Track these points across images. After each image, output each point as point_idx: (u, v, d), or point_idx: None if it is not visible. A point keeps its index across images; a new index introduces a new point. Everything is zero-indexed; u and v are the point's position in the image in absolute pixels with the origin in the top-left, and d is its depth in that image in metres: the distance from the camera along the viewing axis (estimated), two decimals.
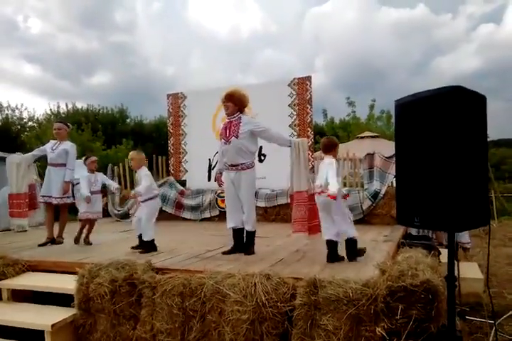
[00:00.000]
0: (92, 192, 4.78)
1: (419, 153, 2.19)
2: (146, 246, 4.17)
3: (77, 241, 4.79)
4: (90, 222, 4.90)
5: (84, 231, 4.86)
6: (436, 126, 2.09)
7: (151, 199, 4.23)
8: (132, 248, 4.24)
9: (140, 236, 4.26)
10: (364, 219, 6.26)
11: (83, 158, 5.05)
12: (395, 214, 5.98)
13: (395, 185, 6.21)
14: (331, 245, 3.53)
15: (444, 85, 2.06)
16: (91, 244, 4.77)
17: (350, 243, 3.57)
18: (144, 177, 4.19)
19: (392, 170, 6.25)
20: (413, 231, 5.52)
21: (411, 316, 2.30)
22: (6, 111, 20.56)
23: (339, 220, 3.51)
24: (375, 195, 6.22)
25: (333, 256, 3.53)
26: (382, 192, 6.23)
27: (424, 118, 2.16)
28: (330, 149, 3.63)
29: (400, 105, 2.36)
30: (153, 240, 4.21)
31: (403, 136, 2.33)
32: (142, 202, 4.23)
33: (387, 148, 7.69)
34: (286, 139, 4.18)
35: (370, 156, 6.53)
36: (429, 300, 2.30)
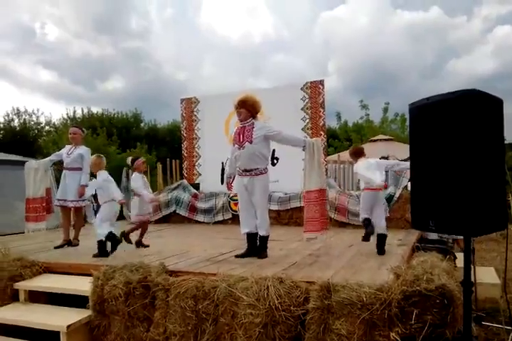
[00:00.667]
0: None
1: (434, 157, 2.16)
2: (98, 248, 4.19)
3: (138, 244, 4.72)
4: (143, 224, 4.80)
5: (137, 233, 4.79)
6: (451, 130, 2.06)
7: (109, 202, 4.37)
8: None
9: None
10: None
11: (130, 159, 4.92)
12: (409, 218, 5.96)
13: (409, 188, 6.18)
14: (382, 238, 4.14)
15: (458, 88, 2.04)
16: (148, 246, 4.72)
17: (383, 238, 4.14)
18: (103, 182, 4.38)
19: (407, 173, 6.18)
20: (433, 236, 5.44)
21: (426, 321, 2.27)
22: (24, 116, 21.04)
23: (381, 213, 4.24)
24: (389, 199, 6.15)
25: (382, 248, 4.11)
26: (397, 195, 6.17)
27: (439, 121, 2.14)
28: (361, 154, 4.53)
29: (414, 108, 2.34)
30: (102, 241, 4.18)
31: (418, 139, 2.31)
32: (103, 203, 4.41)
33: (401, 151, 7.63)
34: (300, 140, 4.13)
35: (384, 159, 6.47)
36: (445, 305, 2.26)
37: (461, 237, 2.23)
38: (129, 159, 4.95)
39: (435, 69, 43.26)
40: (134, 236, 4.81)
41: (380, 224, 4.13)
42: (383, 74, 42.39)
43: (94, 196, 4.83)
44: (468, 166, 2.00)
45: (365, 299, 2.44)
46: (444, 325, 2.25)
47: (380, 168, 4.30)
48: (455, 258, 4.29)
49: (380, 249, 4.07)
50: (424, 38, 42.75)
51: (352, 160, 7.22)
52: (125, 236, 4.65)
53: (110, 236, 4.20)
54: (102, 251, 4.17)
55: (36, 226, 4.97)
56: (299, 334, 2.61)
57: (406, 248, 4.37)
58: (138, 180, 4.67)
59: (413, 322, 2.28)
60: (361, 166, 4.31)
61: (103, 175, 4.43)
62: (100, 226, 4.27)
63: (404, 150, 7.85)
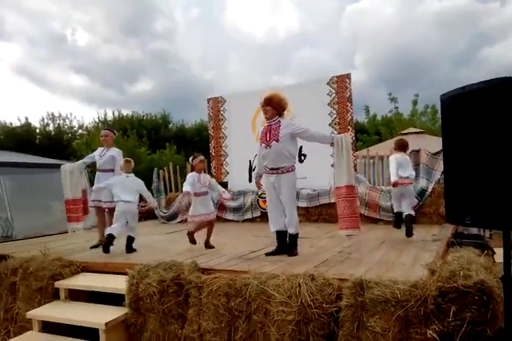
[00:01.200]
0: (200, 194, 4.52)
1: (469, 148, 2.08)
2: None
3: (207, 244, 4.55)
4: (208, 224, 4.60)
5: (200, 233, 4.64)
6: (487, 120, 1.98)
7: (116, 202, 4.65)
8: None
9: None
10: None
11: (190, 158, 4.80)
12: (443, 212, 5.82)
13: (442, 182, 5.99)
14: (408, 218, 4.64)
15: (493, 76, 1.95)
16: (213, 247, 4.52)
17: (408, 218, 4.64)
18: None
19: (439, 166, 6.01)
20: (469, 230, 5.29)
21: (464, 318, 2.21)
22: (58, 121, 21.80)
23: (408, 204, 4.74)
24: (421, 193, 6.00)
25: (410, 231, 4.59)
26: (429, 189, 6.00)
27: (473, 111, 2.05)
28: (400, 148, 4.83)
29: (446, 99, 2.26)
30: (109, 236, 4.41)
31: (451, 131, 2.23)
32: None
33: (432, 144, 7.41)
34: (328, 136, 4.09)
35: (416, 153, 6.31)
36: (484, 302, 2.19)
37: (500, 231, 2.13)
38: (191, 158, 4.82)
39: (467, 57, 41.62)
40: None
41: (406, 211, 4.69)
42: (412, 65, 41.18)
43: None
44: (507, 157, 1.91)
45: (399, 296, 2.40)
46: (484, 322, 2.18)
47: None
48: (493, 253, 4.14)
49: (408, 231, 4.56)
50: (454, 26, 41.18)
51: (384, 155, 7.11)
52: (189, 235, 4.59)
53: (107, 236, 4.41)
54: (105, 247, 4.35)
55: (77, 226, 5.15)
56: (333, 332, 2.59)
57: (440, 243, 4.25)
58: (187, 179, 4.53)
59: (451, 319, 2.22)
60: (393, 160, 4.72)
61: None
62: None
63: (435, 143, 7.63)
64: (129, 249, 4.52)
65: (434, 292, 2.29)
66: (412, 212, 4.74)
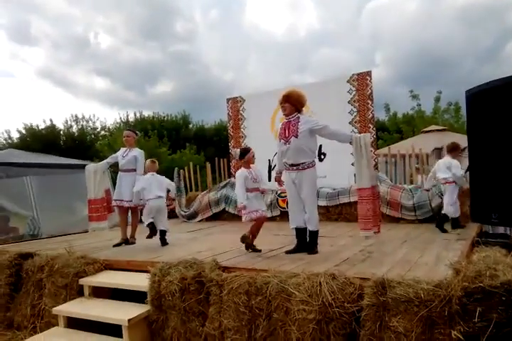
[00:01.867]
0: (252, 189, 4.15)
1: (495, 145, 2.03)
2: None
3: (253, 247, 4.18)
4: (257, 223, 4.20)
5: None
6: None
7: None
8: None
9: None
10: (434, 217, 5.93)
11: (238, 152, 4.29)
12: (467, 211, 5.68)
13: (467, 180, 5.85)
14: (443, 217, 5.26)
15: None
16: (260, 250, 4.11)
17: (444, 218, 5.28)
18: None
19: (463, 164, 5.86)
20: (495, 229, 5.16)
21: (491, 319, 2.14)
22: (82, 123, 22.31)
23: (447, 202, 5.25)
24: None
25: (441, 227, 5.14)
26: None
27: (499, 107, 2.00)
28: (450, 151, 5.37)
29: (471, 95, 2.21)
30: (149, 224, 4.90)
31: (476, 127, 2.18)
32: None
33: (456, 141, 7.24)
34: (347, 135, 4.01)
35: (438, 151, 6.19)
36: (511, 303, 2.12)
37: None
38: (237, 151, 4.31)
39: (492, 53, 40.37)
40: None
41: (446, 209, 5.22)
42: (434, 62, 40.30)
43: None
44: None
45: (422, 296, 2.35)
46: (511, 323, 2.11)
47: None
48: None
49: (440, 227, 5.08)
50: (479, 21, 40.02)
51: (406, 153, 7.00)
52: (244, 240, 4.13)
53: (148, 225, 4.86)
54: (151, 231, 4.86)
55: (99, 226, 5.23)
56: (354, 331, 2.56)
57: (465, 242, 4.15)
58: (238, 179, 4.15)
59: (476, 320, 2.16)
60: (440, 162, 5.34)
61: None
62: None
63: (459, 140, 7.45)
64: (164, 241, 4.92)
65: (459, 292, 2.24)
66: (449, 212, 5.18)
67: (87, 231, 6.06)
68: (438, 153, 6.20)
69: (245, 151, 4.28)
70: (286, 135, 3.92)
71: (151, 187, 4.90)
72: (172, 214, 8.09)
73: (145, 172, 5.10)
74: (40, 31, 41.67)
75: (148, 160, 5.13)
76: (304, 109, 4.06)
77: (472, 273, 2.32)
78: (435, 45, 39.56)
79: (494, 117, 2.07)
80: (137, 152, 5.23)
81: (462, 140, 7.12)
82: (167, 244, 4.90)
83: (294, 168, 3.92)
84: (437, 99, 18.70)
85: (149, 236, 4.89)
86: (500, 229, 5.11)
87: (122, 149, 5.34)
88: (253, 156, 4.29)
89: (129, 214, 5.36)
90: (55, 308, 3.72)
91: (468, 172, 5.17)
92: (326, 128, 3.89)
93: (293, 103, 3.94)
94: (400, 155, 7.04)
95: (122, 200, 5.11)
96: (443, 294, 2.32)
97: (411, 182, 6.73)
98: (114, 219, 5.68)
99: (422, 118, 18.04)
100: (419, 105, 18.95)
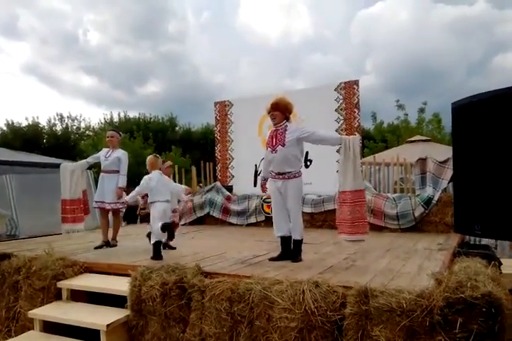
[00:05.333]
0: None
1: (480, 157, 2.06)
2: (153, 250, 4.19)
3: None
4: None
5: None
6: (498, 129, 1.96)
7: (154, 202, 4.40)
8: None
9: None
10: (416, 226, 6.01)
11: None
12: (449, 221, 5.78)
13: (449, 191, 5.95)
14: None
15: (507, 85, 1.93)
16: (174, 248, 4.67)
17: None
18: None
19: (446, 175, 5.96)
20: (484, 240, 5.25)
21: (471, 330, 2.17)
22: (66, 121, 21.96)
23: None
24: (428, 202, 5.95)
25: None
26: (436, 198, 5.95)
27: (484, 120, 2.03)
28: None
29: (457, 107, 2.24)
30: (157, 243, 4.16)
31: (461, 139, 2.21)
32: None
33: (439, 152, 7.37)
34: (337, 137, 3.97)
35: (423, 161, 6.27)
36: (492, 315, 2.15)
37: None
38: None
39: (480, 65, 41.30)
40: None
41: None
42: (424, 73, 41.00)
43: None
44: None
45: (404, 305, 2.36)
46: (492, 335, 2.14)
47: None
48: (500, 264, 4.08)
49: None
50: (468, 33, 40.89)
51: (390, 162, 7.09)
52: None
53: (164, 226, 4.10)
54: (156, 254, 4.10)
55: (73, 227, 5.04)
56: (336, 340, 2.56)
57: (446, 253, 4.20)
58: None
59: (457, 331, 2.18)
60: None
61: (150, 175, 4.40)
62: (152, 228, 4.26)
63: (442, 151, 7.59)
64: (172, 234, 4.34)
65: (440, 302, 2.26)
66: None
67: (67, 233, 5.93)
68: (422, 163, 6.28)
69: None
70: (273, 144, 3.91)
71: (161, 188, 4.34)
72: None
73: (148, 170, 4.52)
74: (27, 25, 41.01)
75: (152, 156, 4.58)
76: (291, 116, 4.07)
77: (454, 283, 2.34)
78: (425, 56, 40.35)
79: (479, 130, 2.11)
80: (120, 153, 5.15)
81: (445, 151, 7.25)
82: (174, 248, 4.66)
83: (281, 176, 3.91)
84: (422, 110, 19.03)
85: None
86: (484, 240, 5.19)
87: (105, 150, 5.25)
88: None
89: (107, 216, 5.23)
90: (30, 311, 3.62)
91: (451, 183, 5.25)
92: (314, 134, 3.88)
93: (282, 110, 3.93)
94: (384, 164, 7.11)
95: (104, 202, 5.02)
96: (425, 304, 2.33)
97: (394, 191, 6.80)
98: (90, 221, 5.50)
99: (406, 128, 18.32)
100: (407, 115, 19.21)
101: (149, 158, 4.54)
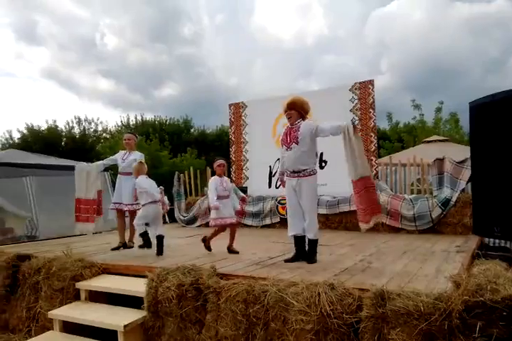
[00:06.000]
0: (220, 197, 4.55)
1: (499, 158, 2.02)
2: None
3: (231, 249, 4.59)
4: (230, 228, 4.67)
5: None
6: None
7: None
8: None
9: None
10: (434, 228, 5.91)
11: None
12: (468, 222, 5.68)
13: (467, 191, 5.84)
14: None
15: None
16: (237, 252, 4.52)
17: None
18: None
19: (464, 176, 5.85)
20: (496, 242, 5.12)
21: (491, 335, 2.12)
22: (83, 124, 22.32)
23: None
24: (445, 203, 5.85)
25: None
26: (454, 199, 5.84)
27: (503, 120, 1.99)
28: None
29: (475, 107, 2.21)
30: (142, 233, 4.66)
31: (479, 139, 2.17)
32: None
33: (457, 152, 7.24)
34: (337, 126, 3.81)
35: (440, 161, 6.16)
36: None
37: None
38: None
39: (498, 64, 40.25)
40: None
41: None
42: (440, 72, 40.19)
43: None
44: None
45: (422, 308, 2.32)
46: None
47: None
48: None
49: None
50: (486, 31, 39.82)
51: (407, 162, 6.99)
52: (204, 241, 4.69)
53: (143, 235, 4.64)
54: (145, 242, 4.65)
55: (85, 227, 5.10)
56: None
57: (465, 255, 4.12)
58: (211, 184, 4.62)
59: (477, 335, 2.14)
60: None
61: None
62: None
63: (460, 151, 7.46)
64: (161, 249, 4.59)
65: (459, 306, 2.22)
66: None
67: (85, 234, 6.01)
68: (439, 163, 6.17)
69: (214, 161, 4.69)
70: (288, 141, 3.94)
71: (152, 190, 4.67)
72: (171, 219, 8.07)
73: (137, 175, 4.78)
74: (46, 31, 41.90)
75: (138, 162, 4.90)
76: (308, 116, 4.07)
77: (473, 286, 2.29)
78: (441, 54, 39.54)
79: (498, 130, 2.07)
80: (138, 155, 5.24)
81: (464, 151, 7.12)
82: (162, 253, 4.54)
83: (295, 175, 3.91)
84: (438, 110, 18.72)
85: (143, 246, 4.77)
86: (502, 242, 5.08)
87: (122, 152, 5.33)
88: (219, 166, 4.74)
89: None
90: (50, 312, 3.69)
91: (470, 184, 5.15)
92: (318, 127, 3.84)
93: (298, 110, 3.96)
94: (400, 165, 7.03)
95: (121, 203, 5.09)
96: (443, 307, 2.30)
97: (411, 192, 6.71)
98: (100, 222, 5.54)
99: (423, 128, 18.05)
100: (422, 115, 18.93)
101: (135, 166, 4.84)
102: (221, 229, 4.64)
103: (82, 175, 5.14)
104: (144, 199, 4.64)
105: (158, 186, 4.84)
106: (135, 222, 4.70)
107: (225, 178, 4.83)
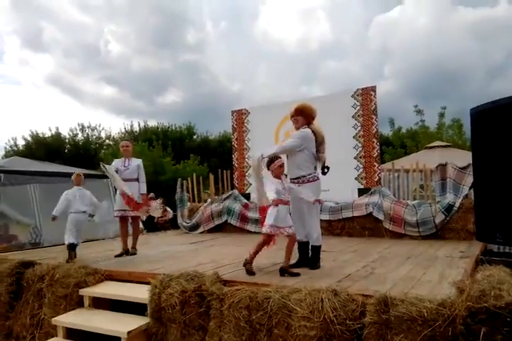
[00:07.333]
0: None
1: (501, 164, 2.03)
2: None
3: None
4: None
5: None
6: None
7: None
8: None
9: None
10: (437, 233, 5.90)
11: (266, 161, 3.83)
12: (471, 228, 5.66)
13: (470, 197, 5.83)
14: None
15: None
16: (298, 274, 3.60)
17: None
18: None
19: (467, 181, 5.85)
20: (499, 248, 5.10)
21: None
22: (87, 131, 22.46)
23: None
24: (448, 209, 5.84)
25: None
26: (457, 205, 5.83)
27: (504, 126, 2.01)
28: None
29: (477, 113, 2.22)
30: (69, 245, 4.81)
31: (481, 145, 2.18)
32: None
33: (460, 158, 7.24)
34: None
35: (443, 167, 6.16)
36: None
37: None
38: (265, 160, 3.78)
39: (502, 69, 40.19)
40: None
41: None
42: (443, 77, 40.16)
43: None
44: None
45: (426, 314, 2.32)
46: None
47: None
48: None
49: None
50: (490, 36, 39.83)
51: (410, 168, 6.99)
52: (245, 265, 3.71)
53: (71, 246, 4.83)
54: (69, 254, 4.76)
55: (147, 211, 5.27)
56: None
57: (469, 260, 4.11)
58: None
59: None
60: None
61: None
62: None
63: (463, 157, 7.45)
64: (73, 254, 4.80)
65: (463, 312, 2.21)
66: None
67: (89, 241, 6.05)
68: (442, 169, 6.17)
69: (270, 161, 3.71)
70: None
71: (75, 201, 4.99)
72: (174, 225, 8.09)
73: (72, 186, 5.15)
74: (51, 38, 42.34)
75: (75, 174, 5.24)
76: (314, 122, 4.13)
77: (476, 292, 2.29)
78: (444, 60, 39.52)
79: (500, 136, 2.08)
80: (138, 161, 5.32)
81: (466, 156, 7.12)
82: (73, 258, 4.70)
83: (295, 180, 3.94)
84: (441, 115, 18.73)
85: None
86: (506, 248, 5.06)
87: (119, 160, 5.31)
88: (281, 166, 3.72)
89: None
90: (54, 318, 3.70)
91: (472, 190, 5.14)
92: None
93: (305, 116, 4.03)
94: (403, 171, 7.03)
95: (126, 210, 5.10)
96: (447, 313, 2.29)
97: (414, 198, 6.70)
98: (114, 229, 5.55)
99: (425, 133, 18.05)
100: (423, 121, 18.98)
101: (73, 176, 5.22)
102: (269, 240, 3.77)
103: (116, 175, 5.03)
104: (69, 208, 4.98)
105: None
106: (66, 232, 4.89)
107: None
